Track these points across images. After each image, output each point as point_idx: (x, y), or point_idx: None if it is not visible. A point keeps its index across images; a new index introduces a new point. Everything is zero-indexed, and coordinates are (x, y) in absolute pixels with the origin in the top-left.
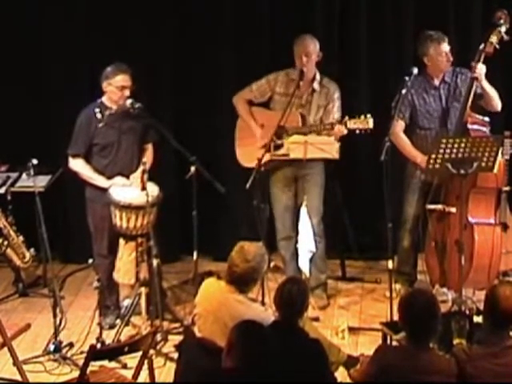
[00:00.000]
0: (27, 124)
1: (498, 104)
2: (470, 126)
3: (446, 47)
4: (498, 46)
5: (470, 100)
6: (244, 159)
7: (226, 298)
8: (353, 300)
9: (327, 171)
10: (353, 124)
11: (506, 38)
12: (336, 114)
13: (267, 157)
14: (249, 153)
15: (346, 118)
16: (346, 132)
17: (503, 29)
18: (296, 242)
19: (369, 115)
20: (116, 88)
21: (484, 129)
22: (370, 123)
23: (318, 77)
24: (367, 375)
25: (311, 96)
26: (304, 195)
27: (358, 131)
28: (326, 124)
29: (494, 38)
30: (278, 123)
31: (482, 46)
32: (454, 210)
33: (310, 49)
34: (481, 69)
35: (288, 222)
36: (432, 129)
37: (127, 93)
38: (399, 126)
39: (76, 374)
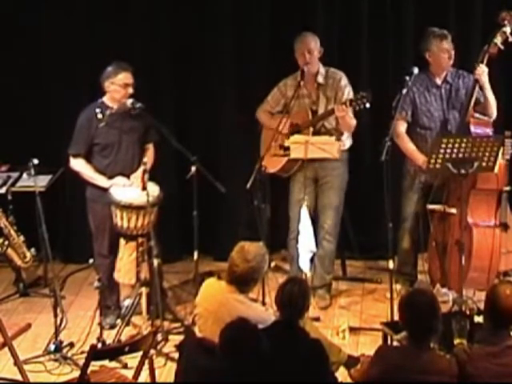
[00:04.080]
0: (28, 124)
1: (494, 113)
2: (472, 129)
3: (448, 44)
4: (502, 47)
5: (473, 101)
6: (270, 166)
7: (227, 298)
8: (353, 300)
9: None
10: (352, 102)
11: (510, 38)
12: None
13: (270, 158)
14: (271, 159)
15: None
16: (347, 110)
17: (508, 29)
18: (297, 242)
19: (367, 89)
20: (119, 86)
21: (487, 129)
22: (368, 96)
23: (321, 70)
24: (368, 375)
25: (318, 90)
26: (321, 197)
27: (357, 107)
28: (327, 111)
29: (498, 39)
30: (278, 124)
31: (486, 47)
32: (454, 210)
33: (312, 45)
34: (483, 70)
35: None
36: (432, 128)
37: (130, 90)
38: (402, 126)
39: (76, 373)
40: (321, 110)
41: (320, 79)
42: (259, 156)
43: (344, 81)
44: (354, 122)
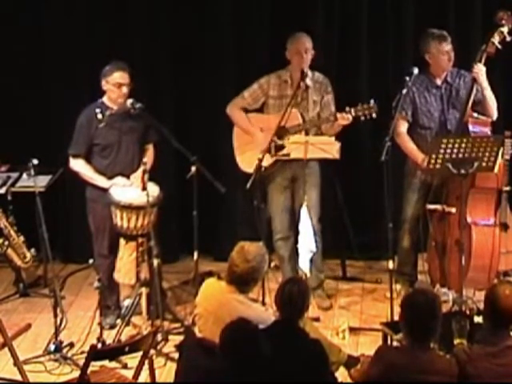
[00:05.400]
0: (27, 124)
1: (494, 113)
2: (471, 129)
3: (447, 46)
4: (499, 47)
5: (471, 101)
6: (246, 165)
7: (227, 298)
8: (353, 300)
9: (326, 171)
10: (358, 111)
11: (508, 38)
12: (332, 106)
13: (268, 158)
14: (249, 158)
15: (347, 108)
16: (351, 120)
17: (505, 29)
18: (295, 241)
19: (372, 101)
20: (113, 85)
21: (485, 129)
22: (375, 107)
23: (309, 73)
24: (368, 375)
25: (306, 92)
26: (303, 195)
27: (362, 117)
28: (329, 116)
29: (495, 38)
30: (279, 124)
31: (483, 47)
32: (453, 210)
33: (308, 45)
34: (480, 69)
35: (285, 222)
36: (432, 128)
37: (125, 90)
38: (403, 125)
39: (76, 373)
40: (309, 113)
41: (308, 82)
42: (232, 152)
43: (329, 87)
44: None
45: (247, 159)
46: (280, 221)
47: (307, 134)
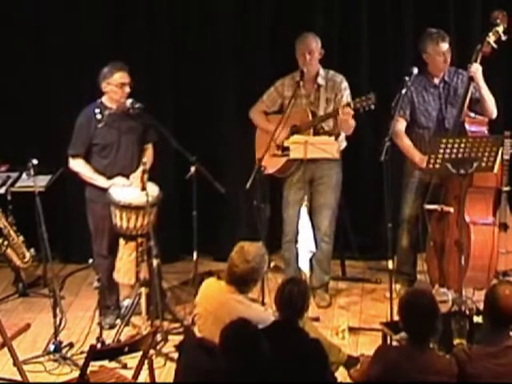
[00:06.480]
0: (27, 124)
1: (493, 112)
2: (468, 128)
3: (444, 47)
4: (495, 46)
5: (468, 100)
6: (268, 166)
7: (226, 298)
8: (353, 300)
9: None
10: (357, 104)
11: (503, 37)
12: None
13: (267, 158)
14: (269, 159)
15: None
16: (352, 112)
17: (501, 28)
18: (296, 242)
19: (371, 93)
20: (116, 86)
21: (482, 128)
22: (373, 98)
23: (321, 72)
24: (368, 375)
25: (318, 92)
26: (316, 196)
27: (361, 109)
28: (331, 111)
29: (491, 38)
30: (277, 125)
31: (479, 46)
32: (451, 209)
33: (313, 46)
34: (476, 68)
35: (295, 224)
36: (430, 128)
37: (127, 89)
38: (400, 124)
39: (76, 374)
40: (320, 112)
41: (320, 81)
42: (254, 156)
43: (344, 83)
44: (353, 123)
45: (267, 160)
46: (289, 223)
47: (316, 131)
